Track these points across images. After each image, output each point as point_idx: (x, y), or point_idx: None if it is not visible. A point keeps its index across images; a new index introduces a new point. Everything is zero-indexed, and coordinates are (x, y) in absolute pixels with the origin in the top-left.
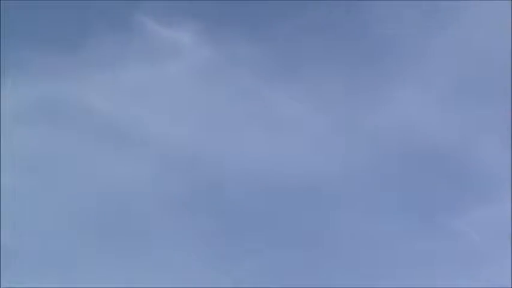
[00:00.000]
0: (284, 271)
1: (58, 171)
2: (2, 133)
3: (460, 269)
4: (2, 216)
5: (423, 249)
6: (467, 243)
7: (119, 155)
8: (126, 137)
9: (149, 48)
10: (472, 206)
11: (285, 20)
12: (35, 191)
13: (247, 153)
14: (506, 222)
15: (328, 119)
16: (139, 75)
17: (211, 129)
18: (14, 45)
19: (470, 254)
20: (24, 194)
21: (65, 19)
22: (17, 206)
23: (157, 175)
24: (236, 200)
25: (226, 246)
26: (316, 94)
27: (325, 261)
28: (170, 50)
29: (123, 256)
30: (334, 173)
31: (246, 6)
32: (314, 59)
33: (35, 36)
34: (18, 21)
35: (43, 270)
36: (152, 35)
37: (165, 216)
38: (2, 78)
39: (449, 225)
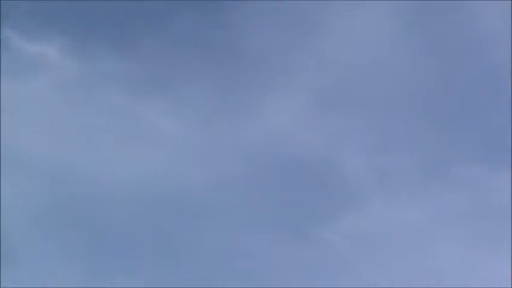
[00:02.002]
0: (157, 285)
1: None
2: None
3: (327, 277)
4: None
5: (292, 258)
6: (336, 251)
7: None
8: None
9: (14, 63)
10: (339, 215)
11: (154, 35)
12: None
13: (117, 169)
14: (371, 229)
15: (198, 132)
16: (4, 91)
17: (80, 145)
18: None
19: (338, 262)
20: None
21: None
22: None
23: (23, 192)
24: (107, 215)
25: (97, 262)
26: (187, 109)
27: (197, 273)
28: (36, 65)
29: None
30: (206, 186)
31: (114, 21)
32: (184, 73)
33: None
34: None
35: None
36: (18, 50)
37: (33, 232)
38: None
39: (318, 234)
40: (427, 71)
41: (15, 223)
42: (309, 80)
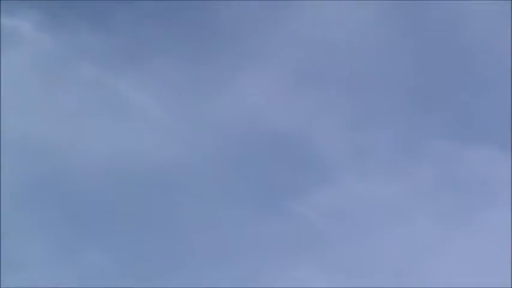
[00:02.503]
0: (131, 260)
1: None
2: None
3: (302, 252)
4: None
5: (266, 232)
6: (309, 226)
7: None
8: None
9: None
10: (313, 189)
11: (129, 9)
12: None
13: (93, 143)
14: (344, 204)
15: (173, 107)
16: None
17: (55, 119)
18: None
19: (311, 236)
20: None
21: None
22: None
23: None
24: (82, 189)
25: (71, 237)
26: (161, 83)
27: (174, 248)
28: (10, 39)
29: None
30: (180, 161)
31: None
32: (158, 48)
33: None
34: None
35: None
36: None
37: (6, 206)
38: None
39: (291, 209)
40: (405, 51)
41: None
42: (285, 56)
